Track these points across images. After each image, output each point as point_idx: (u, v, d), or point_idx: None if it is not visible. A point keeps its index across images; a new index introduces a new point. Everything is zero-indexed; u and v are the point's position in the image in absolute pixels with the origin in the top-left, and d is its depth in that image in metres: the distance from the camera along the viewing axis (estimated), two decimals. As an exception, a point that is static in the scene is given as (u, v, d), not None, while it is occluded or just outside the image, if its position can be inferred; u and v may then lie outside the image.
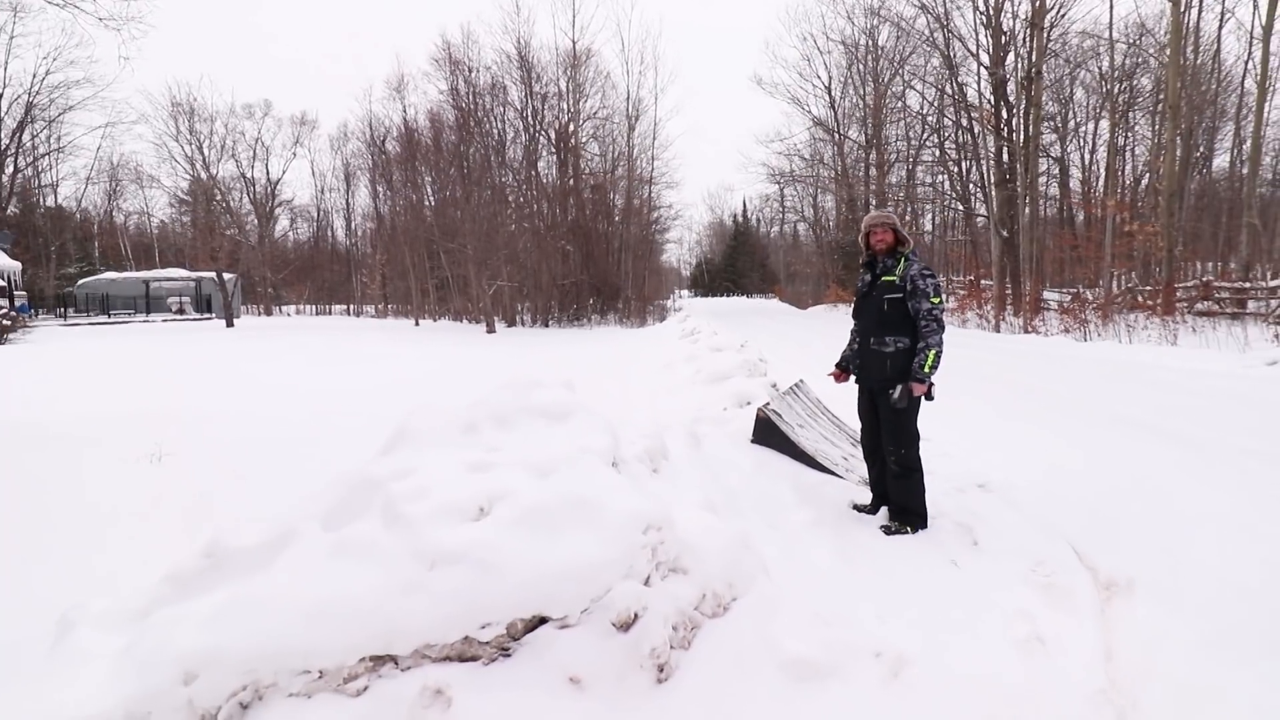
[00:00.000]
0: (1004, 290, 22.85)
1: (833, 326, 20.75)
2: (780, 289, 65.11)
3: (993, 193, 24.43)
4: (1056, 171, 33.09)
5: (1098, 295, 19.07)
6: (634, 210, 34.23)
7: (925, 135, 34.15)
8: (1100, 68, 28.01)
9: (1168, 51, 19.14)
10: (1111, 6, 22.50)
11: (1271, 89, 18.21)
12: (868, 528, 3.94)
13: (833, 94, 37.61)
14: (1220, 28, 24.22)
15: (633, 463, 3.75)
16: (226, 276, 28.55)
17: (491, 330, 25.18)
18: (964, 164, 30.30)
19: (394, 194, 38.78)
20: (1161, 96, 22.68)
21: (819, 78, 37.74)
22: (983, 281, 25.94)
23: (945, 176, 34.33)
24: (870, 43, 34.04)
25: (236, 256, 31.34)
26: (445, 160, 32.90)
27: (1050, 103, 29.86)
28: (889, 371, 3.87)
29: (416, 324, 30.75)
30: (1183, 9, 18.74)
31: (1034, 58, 21.19)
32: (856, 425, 4.38)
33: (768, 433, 5.13)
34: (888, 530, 3.87)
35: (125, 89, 58.91)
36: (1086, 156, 33.93)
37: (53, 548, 3.78)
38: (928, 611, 2.95)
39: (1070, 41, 25.99)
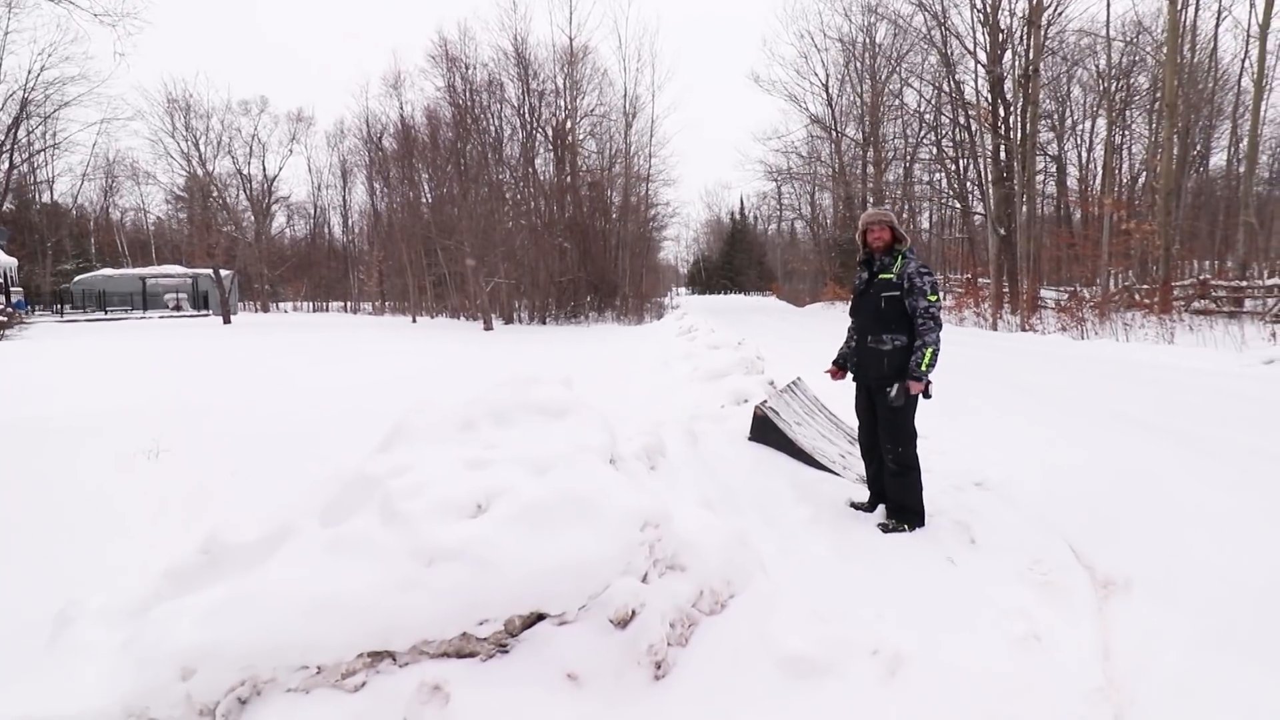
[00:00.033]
0: (1001, 288, 22.87)
1: (830, 324, 20.77)
2: (778, 287, 65.15)
3: (990, 191, 24.43)
4: (1054, 170, 33.17)
5: (1095, 294, 19.10)
6: (631, 207, 34.19)
7: (923, 133, 34.16)
8: (1097, 66, 28.10)
9: (1165, 50, 19.17)
10: (1109, 5, 22.38)
11: (1268, 87, 18.25)
12: (865, 525, 3.95)
13: (830, 91, 37.62)
14: (1217, 26, 24.30)
15: (630, 460, 3.75)
16: (223, 273, 28.48)
17: (489, 327, 25.16)
18: (961, 162, 30.33)
19: (391, 191, 38.71)
20: (1158, 95, 22.73)
21: (816, 75, 37.76)
22: (980, 280, 25.96)
23: (942, 174, 34.37)
24: (868, 40, 34.03)
25: (233, 253, 31.30)
26: (442, 157, 32.80)
27: (1047, 101, 29.89)
28: (886, 369, 3.88)
29: (414, 321, 30.71)
30: (1180, 7, 18.76)
31: (1031, 55, 21.18)
32: (854, 423, 4.39)
33: (765, 430, 5.14)
34: (885, 528, 3.88)
35: (121, 85, 58.68)
36: (1084, 155, 34.06)
37: (50, 543, 3.77)
38: (925, 609, 2.96)
39: (1067, 39, 26.00)
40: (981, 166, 27.06)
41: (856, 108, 36.79)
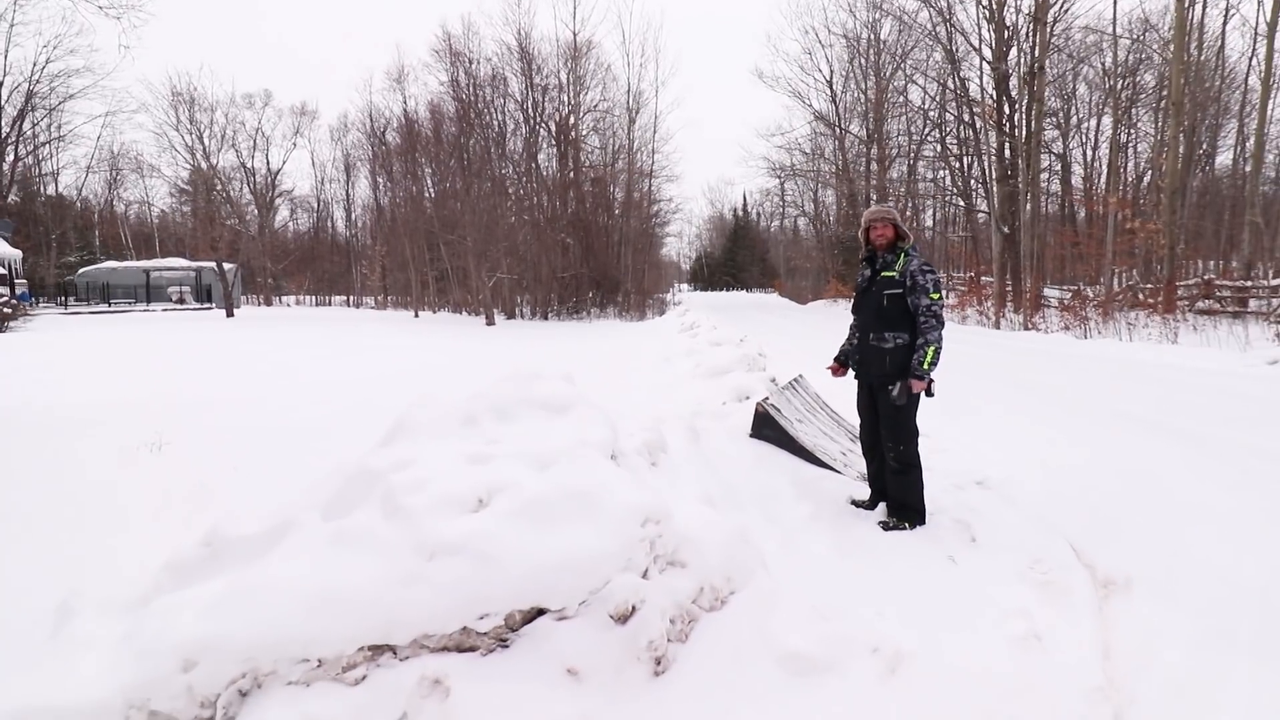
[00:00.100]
0: (1004, 287, 22.83)
1: (832, 322, 20.74)
2: (780, 284, 65.08)
3: (994, 188, 24.37)
4: (1058, 168, 33.01)
5: (1098, 293, 19.07)
6: (634, 203, 34.16)
7: (927, 130, 34.09)
8: (1103, 63, 27.98)
9: (1171, 47, 19.09)
10: (1115, 2, 22.18)
11: (1275, 86, 18.11)
12: (866, 523, 3.95)
13: (834, 88, 37.51)
14: (1224, 24, 24.18)
15: (632, 456, 3.75)
16: (226, 266, 28.49)
17: (491, 323, 25.17)
18: (965, 159, 30.22)
19: (394, 185, 38.66)
20: (1164, 93, 22.60)
21: (820, 71, 37.67)
22: (983, 278, 25.92)
23: (946, 172, 34.28)
24: (872, 36, 33.94)
25: (236, 246, 31.29)
26: (445, 152, 32.77)
27: (1053, 98, 29.76)
28: (888, 367, 3.87)
29: (416, 315, 30.72)
30: (1187, 5, 18.67)
31: (1037, 53, 21.10)
32: (855, 420, 4.38)
33: (766, 427, 5.14)
34: (886, 526, 3.88)
35: (125, 78, 58.76)
36: (1089, 153, 33.89)
37: (52, 535, 3.78)
38: (925, 607, 2.96)
39: (1073, 36, 25.93)
40: (986, 164, 26.99)
41: (860, 104, 36.69)
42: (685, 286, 78.35)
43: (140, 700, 1.94)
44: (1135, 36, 26.29)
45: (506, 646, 2.26)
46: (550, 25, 36.20)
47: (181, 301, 35.99)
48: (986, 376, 9.46)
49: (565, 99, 32.02)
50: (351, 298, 49.55)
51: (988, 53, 23.95)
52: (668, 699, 2.24)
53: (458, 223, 27.14)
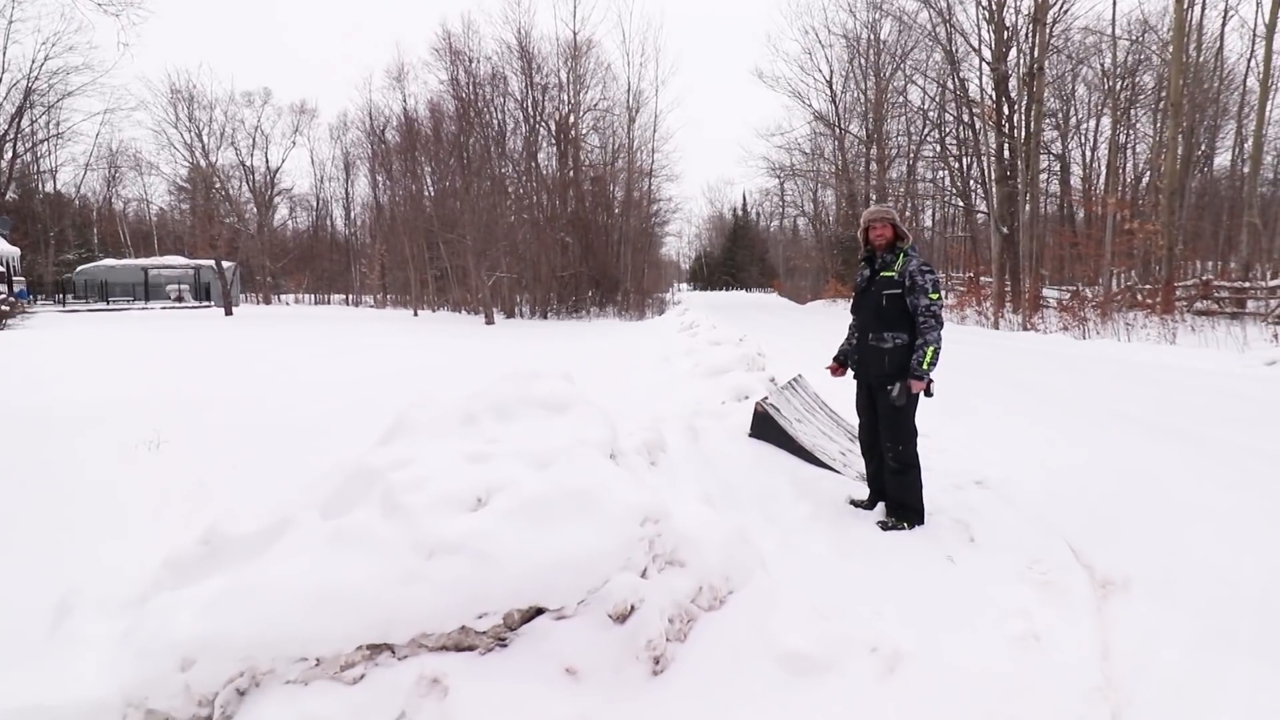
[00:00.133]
0: (1003, 287, 22.85)
1: (832, 321, 20.76)
2: (779, 283, 65.08)
3: (993, 189, 24.39)
4: (1057, 168, 33.05)
5: (1097, 293, 19.07)
6: (634, 203, 34.16)
7: (926, 130, 34.10)
8: (1102, 64, 27.97)
9: (1170, 49, 19.10)
10: (1114, 3, 22.12)
11: (1274, 87, 18.18)
12: (865, 523, 3.95)
13: (834, 88, 37.50)
14: (1223, 25, 24.22)
15: (631, 455, 3.75)
16: (225, 265, 28.44)
17: (490, 321, 25.16)
18: (965, 160, 30.24)
19: (393, 184, 38.64)
20: (1163, 94, 22.63)
21: (820, 71, 37.67)
22: (982, 278, 25.93)
23: (946, 172, 34.28)
24: (872, 37, 33.94)
25: (235, 245, 31.21)
26: (445, 150, 32.76)
27: (1052, 99, 29.77)
28: (887, 367, 3.87)
29: (415, 314, 30.69)
30: (1186, 6, 18.68)
31: (1036, 53, 21.11)
32: (854, 420, 4.39)
33: (766, 427, 5.14)
34: (885, 526, 3.88)
35: (124, 75, 58.44)
36: (1088, 153, 33.93)
37: (50, 533, 3.77)
38: (924, 607, 2.96)
39: (1073, 37, 25.91)
40: (985, 164, 27.02)
41: (860, 104, 36.70)
42: (684, 286, 78.35)
43: (138, 699, 1.94)
44: (1134, 38, 26.30)
45: (505, 646, 2.26)
46: (550, 24, 36.37)
47: (180, 300, 35.96)
48: (985, 377, 9.47)
49: (565, 98, 32.05)
50: (350, 296, 49.49)
51: (987, 53, 23.97)
52: (666, 698, 2.24)
53: (457, 221, 27.13)
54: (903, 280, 3.82)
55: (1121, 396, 7.69)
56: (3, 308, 18.75)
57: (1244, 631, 2.72)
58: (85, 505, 4.15)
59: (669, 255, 64.61)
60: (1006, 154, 23.43)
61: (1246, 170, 21.29)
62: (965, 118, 27.84)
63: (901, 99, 33.01)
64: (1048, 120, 28.88)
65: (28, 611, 2.70)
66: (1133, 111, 28.88)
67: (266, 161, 47.79)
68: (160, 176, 37.77)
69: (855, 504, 4.20)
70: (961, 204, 32.33)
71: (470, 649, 2.23)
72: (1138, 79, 28.28)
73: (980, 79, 25.89)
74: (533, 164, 32.51)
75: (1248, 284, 16.89)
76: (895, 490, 3.92)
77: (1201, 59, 23.18)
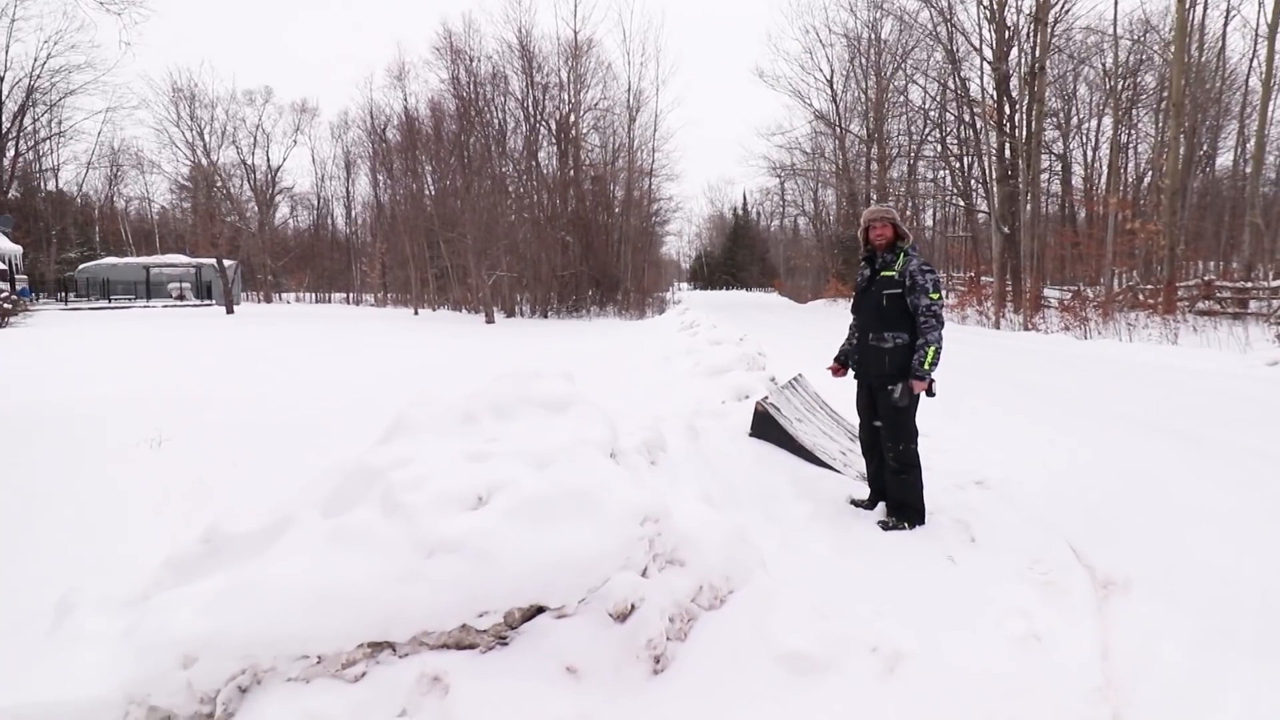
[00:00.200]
0: (1004, 287, 22.82)
1: (832, 321, 20.74)
2: (780, 283, 65.05)
3: (994, 189, 24.35)
4: (1059, 168, 33.02)
5: (1098, 293, 19.07)
6: (634, 202, 34.14)
7: (927, 130, 34.10)
8: (1104, 64, 27.97)
9: (1172, 48, 19.08)
10: (1116, 3, 22.17)
11: (1276, 87, 18.10)
12: (865, 523, 3.95)
13: (835, 87, 37.51)
14: (1225, 25, 24.18)
15: (631, 455, 3.74)
16: (226, 263, 28.44)
17: (490, 320, 25.16)
18: (966, 159, 30.22)
19: (394, 183, 38.63)
20: (1165, 94, 22.59)
21: (821, 71, 37.67)
22: (983, 278, 25.91)
23: (947, 172, 34.27)
24: (873, 36, 33.94)
25: (237, 243, 31.25)
26: (445, 149, 32.74)
27: (1053, 99, 29.75)
28: (888, 367, 3.86)
29: (416, 313, 30.69)
30: (1188, 6, 18.66)
31: (1037, 53, 21.09)
32: (855, 420, 4.38)
33: (766, 426, 5.13)
34: (885, 525, 3.88)
35: (126, 74, 58.72)
36: (1089, 153, 33.89)
37: (52, 530, 3.78)
38: (924, 607, 2.96)
39: (1074, 37, 25.92)
40: (986, 164, 26.97)
41: (861, 104, 36.69)
42: (685, 285, 78.32)
43: (140, 696, 1.94)
44: (1136, 37, 26.30)
45: (506, 644, 2.27)
46: (551, 23, 36.52)
47: (181, 298, 35.97)
48: (986, 377, 9.46)
49: (566, 97, 32.01)
50: (351, 295, 49.51)
51: (988, 53, 23.93)
52: (666, 697, 2.24)
53: (458, 220, 27.12)
54: (903, 280, 3.82)
55: (1123, 397, 7.68)
56: (5, 306, 18.76)
57: (1245, 632, 2.72)
58: (86, 503, 4.16)
59: (669, 255, 64.62)
60: (1008, 153, 23.39)
61: (1249, 170, 21.26)
62: (966, 117, 27.82)
63: (902, 98, 33.03)
64: (1049, 120, 28.85)
65: (29, 609, 2.71)
66: (1134, 111, 28.86)
67: (268, 160, 47.91)
68: (162, 175, 37.73)
69: (856, 504, 4.20)
70: (962, 203, 32.31)
71: (471, 647, 2.23)
72: (1139, 79, 28.26)
73: (981, 78, 25.89)
74: (533, 163, 32.50)
75: (1250, 284, 16.85)
76: (896, 490, 3.92)
77: (1203, 59, 23.17)
